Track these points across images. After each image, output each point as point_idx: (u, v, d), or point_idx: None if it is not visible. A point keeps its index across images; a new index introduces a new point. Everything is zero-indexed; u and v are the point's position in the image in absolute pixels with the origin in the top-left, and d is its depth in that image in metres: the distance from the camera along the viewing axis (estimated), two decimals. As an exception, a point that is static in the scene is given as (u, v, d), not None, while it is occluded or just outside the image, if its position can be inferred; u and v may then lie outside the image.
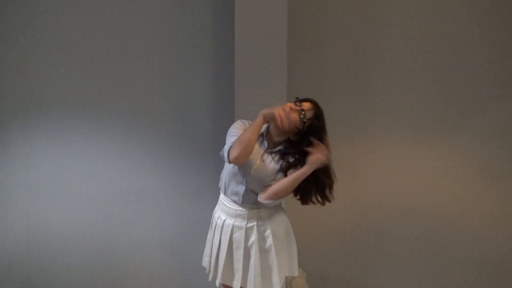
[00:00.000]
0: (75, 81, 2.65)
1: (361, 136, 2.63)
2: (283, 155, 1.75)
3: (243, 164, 1.74)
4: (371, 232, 2.67)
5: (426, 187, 2.63)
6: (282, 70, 2.27)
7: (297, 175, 1.69)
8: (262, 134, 1.81)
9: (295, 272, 1.86)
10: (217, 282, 1.86)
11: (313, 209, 2.53)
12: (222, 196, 1.92)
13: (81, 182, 2.71)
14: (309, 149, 1.69)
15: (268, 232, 1.80)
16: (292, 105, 1.72)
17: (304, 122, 1.69)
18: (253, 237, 1.79)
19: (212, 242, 1.91)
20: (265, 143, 1.80)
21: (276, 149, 1.78)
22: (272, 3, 2.24)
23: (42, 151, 2.69)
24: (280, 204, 1.89)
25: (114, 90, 2.66)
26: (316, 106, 1.75)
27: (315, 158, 1.67)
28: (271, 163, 1.76)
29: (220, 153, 1.80)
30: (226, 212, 1.87)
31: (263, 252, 1.80)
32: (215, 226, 1.91)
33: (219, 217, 1.90)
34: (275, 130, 1.77)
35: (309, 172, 1.68)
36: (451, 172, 2.62)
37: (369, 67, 2.59)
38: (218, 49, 2.61)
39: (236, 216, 1.83)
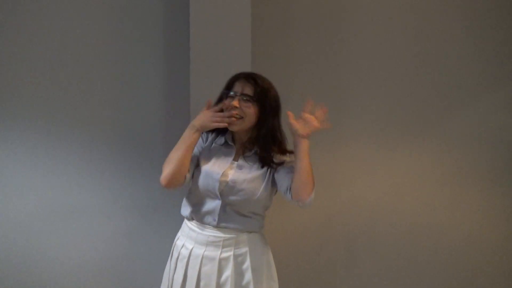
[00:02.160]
0: (4, 82, 2.31)
1: (329, 143, 2.50)
2: (262, 158, 1.54)
3: (175, 187, 1.54)
4: (340, 242, 2.54)
5: (397, 196, 2.55)
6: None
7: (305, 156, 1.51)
8: (225, 141, 1.60)
9: None
10: None
11: (276, 217, 2.36)
12: (189, 218, 1.63)
13: (3, 199, 2.31)
14: (292, 121, 1.48)
15: (246, 264, 1.51)
16: (235, 103, 1.52)
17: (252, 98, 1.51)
18: (228, 271, 1.49)
19: (173, 278, 1.58)
20: (232, 149, 1.58)
21: (251, 153, 1.57)
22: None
23: None
24: (261, 229, 1.63)
25: (50, 90, 2.34)
26: (256, 83, 1.53)
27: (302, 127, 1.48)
28: (251, 169, 1.55)
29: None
30: (194, 239, 1.57)
31: None
32: (178, 257, 1.59)
33: (183, 245, 1.59)
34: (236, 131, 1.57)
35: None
36: (422, 180, 2.56)
37: (338, 70, 2.50)
38: (170, 42, 2.35)
39: (208, 244, 1.52)
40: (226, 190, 1.53)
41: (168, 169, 1.52)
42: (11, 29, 2.29)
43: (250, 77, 1.54)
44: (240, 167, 1.55)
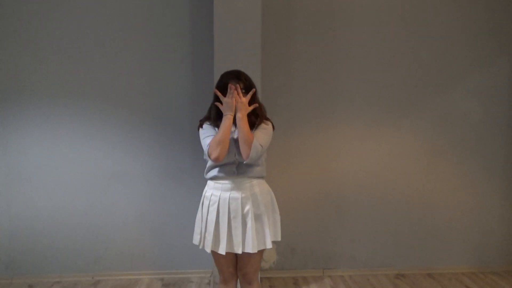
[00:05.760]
0: (60, 71, 2.77)
1: (325, 121, 2.92)
2: (252, 122, 2.05)
3: (223, 160, 2.01)
4: (333, 205, 2.99)
5: (379, 165, 2.98)
6: (256, 64, 2.51)
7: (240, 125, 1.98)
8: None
9: (278, 238, 2.14)
10: (222, 251, 2.05)
11: (280, 183, 2.83)
12: (213, 178, 2.11)
13: (63, 166, 2.82)
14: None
15: (260, 199, 2.07)
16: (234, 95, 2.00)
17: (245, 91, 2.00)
18: (248, 206, 2.05)
19: (207, 220, 2.10)
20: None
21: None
22: (247, 4, 2.50)
23: (24, 137, 2.78)
24: (264, 177, 2.16)
25: (97, 78, 2.80)
26: (241, 78, 1.99)
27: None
28: None
29: (204, 157, 2.06)
30: (221, 189, 2.08)
31: (257, 217, 2.06)
32: (209, 203, 2.11)
33: (212, 194, 2.11)
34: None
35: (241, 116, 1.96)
36: (399, 153, 2.99)
37: (332, 60, 2.91)
38: (195, 43, 2.79)
39: (232, 189, 2.06)
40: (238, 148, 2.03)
41: (218, 148, 1.95)
42: (74, 26, 2.75)
43: (237, 78, 2.01)
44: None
